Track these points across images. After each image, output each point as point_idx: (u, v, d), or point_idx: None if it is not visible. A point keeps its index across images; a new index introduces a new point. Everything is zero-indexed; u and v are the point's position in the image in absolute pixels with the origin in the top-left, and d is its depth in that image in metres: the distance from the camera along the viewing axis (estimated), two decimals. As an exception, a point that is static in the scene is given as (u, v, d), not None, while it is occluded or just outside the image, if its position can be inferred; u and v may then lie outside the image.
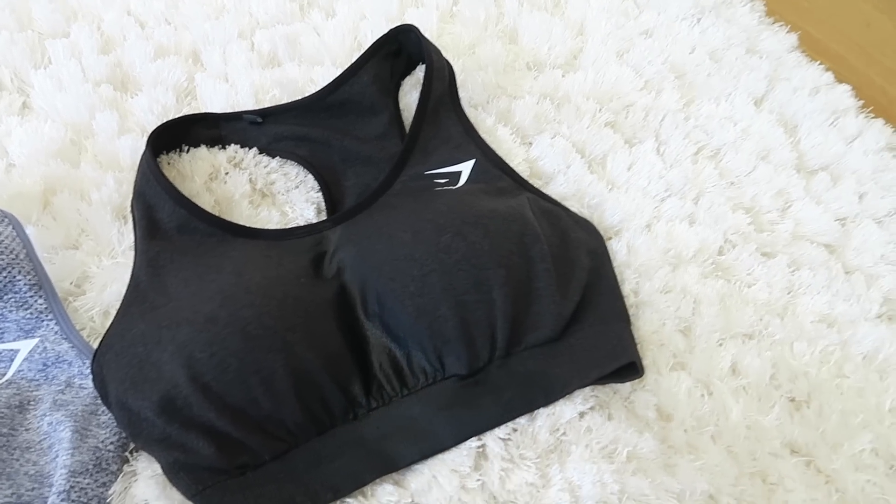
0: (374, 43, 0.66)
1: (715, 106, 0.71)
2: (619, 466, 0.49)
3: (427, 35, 0.71)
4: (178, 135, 0.61)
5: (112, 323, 0.49)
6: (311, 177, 0.62)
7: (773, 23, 0.81)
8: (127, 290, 0.51)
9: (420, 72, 0.69)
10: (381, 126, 0.63)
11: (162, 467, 0.46)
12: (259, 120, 0.63)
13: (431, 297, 0.48)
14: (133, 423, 0.45)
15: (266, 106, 0.65)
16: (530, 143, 0.66)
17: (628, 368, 0.51)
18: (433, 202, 0.52)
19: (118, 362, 0.46)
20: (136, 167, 0.61)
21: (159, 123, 0.63)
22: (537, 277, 0.50)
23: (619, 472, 0.49)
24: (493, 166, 0.58)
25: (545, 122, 0.67)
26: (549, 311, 0.50)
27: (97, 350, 0.48)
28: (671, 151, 0.67)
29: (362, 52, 0.65)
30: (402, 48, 0.67)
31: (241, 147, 0.62)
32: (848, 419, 0.54)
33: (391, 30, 0.66)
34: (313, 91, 0.66)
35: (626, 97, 0.70)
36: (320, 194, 0.61)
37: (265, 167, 0.62)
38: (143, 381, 0.44)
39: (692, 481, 0.49)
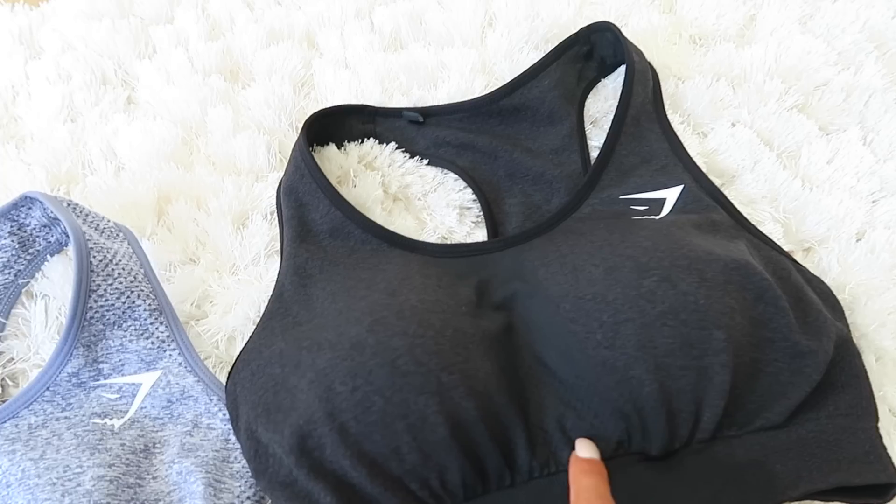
0: (562, 43, 0.57)
1: (933, 82, 0.58)
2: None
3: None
4: (329, 125, 0.54)
5: (252, 335, 0.44)
6: (449, 177, 0.54)
7: None
8: (270, 299, 0.45)
9: (611, 81, 0.58)
10: (559, 138, 0.54)
11: None
12: (420, 119, 0.55)
13: (623, 353, 0.38)
14: (259, 458, 0.39)
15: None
16: (704, 134, 0.55)
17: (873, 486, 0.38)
18: (633, 234, 0.42)
19: (253, 383, 0.40)
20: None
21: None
22: (764, 344, 0.39)
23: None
24: (705, 194, 0.47)
25: (722, 108, 0.56)
26: (777, 390, 0.39)
27: (233, 365, 0.43)
28: (882, 140, 0.55)
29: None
30: (594, 49, 0.57)
31: (397, 147, 0.55)
32: None
33: (582, 28, 0.57)
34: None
35: (816, 74, 0.58)
36: (460, 195, 0.53)
37: (399, 167, 0.54)
38: (277, 410, 0.38)
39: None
